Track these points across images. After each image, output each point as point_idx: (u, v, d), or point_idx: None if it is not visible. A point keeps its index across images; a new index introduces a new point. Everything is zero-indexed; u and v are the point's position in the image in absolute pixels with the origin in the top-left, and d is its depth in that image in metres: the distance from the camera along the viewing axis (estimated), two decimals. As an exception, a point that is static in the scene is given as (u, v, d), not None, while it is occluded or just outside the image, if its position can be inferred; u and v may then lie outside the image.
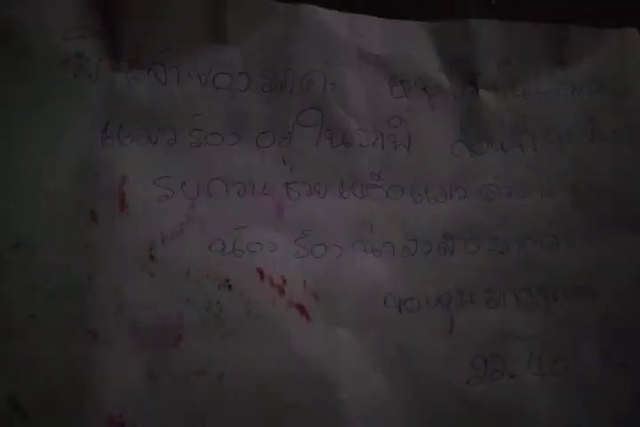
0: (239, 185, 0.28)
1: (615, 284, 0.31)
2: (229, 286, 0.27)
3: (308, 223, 0.29)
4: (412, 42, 0.31)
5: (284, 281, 0.28)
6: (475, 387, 0.29)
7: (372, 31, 0.31)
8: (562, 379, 0.30)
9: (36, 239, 0.26)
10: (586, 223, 0.32)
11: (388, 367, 0.28)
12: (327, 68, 0.30)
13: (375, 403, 0.27)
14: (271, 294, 0.27)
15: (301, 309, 0.28)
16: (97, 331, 0.25)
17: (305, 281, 0.28)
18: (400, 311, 0.29)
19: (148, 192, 0.27)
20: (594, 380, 0.30)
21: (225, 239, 0.27)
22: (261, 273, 0.28)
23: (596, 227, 0.32)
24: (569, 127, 0.32)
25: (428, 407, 0.28)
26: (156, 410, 0.25)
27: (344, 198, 0.29)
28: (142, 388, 0.25)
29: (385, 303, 0.29)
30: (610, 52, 0.33)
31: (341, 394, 0.27)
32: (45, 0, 0.27)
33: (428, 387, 0.28)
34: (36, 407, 0.24)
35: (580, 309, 0.31)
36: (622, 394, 0.30)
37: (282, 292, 0.28)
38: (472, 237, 0.30)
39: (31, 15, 0.27)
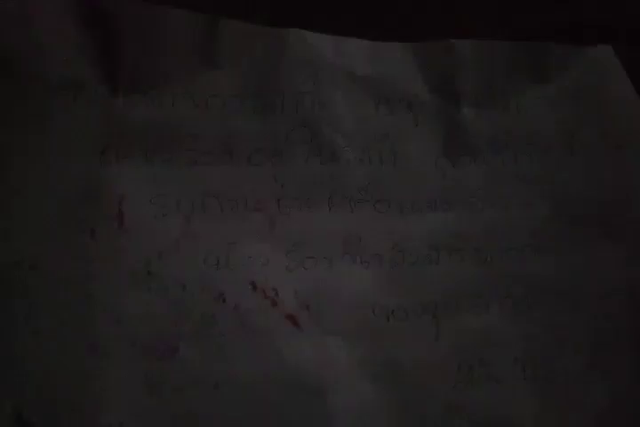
0: (232, 202, 0.29)
1: (596, 291, 0.32)
2: (224, 300, 0.28)
3: (299, 237, 0.30)
4: (396, 62, 0.32)
5: (277, 293, 0.29)
6: (461, 392, 0.29)
7: (358, 53, 0.32)
8: (545, 383, 0.30)
9: (37, 256, 0.27)
10: (566, 234, 0.32)
11: (377, 375, 0.29)
12: (315, 89, 0.31)
13: (365, 409, 0.28)
14: (264, 306, 0.28)
15: (293, 320, 0.28)
16: (97, 344, 0.26)
17: (296, 293, 0.29)
18: (388, 320, 0.30)
19: (145, 210, 0.28)
20: (577, 384, 0.31)
21: (219, 254, 0.28)
22: (254, 286, 0.28)
23: (575, 237, 0.32)
24: (548, 141, 0.33)
25: (416, 413, 0.29)
26: (154, 420, 0.26)
27: (333, 213, 0.30)
28: (140, 399, 0.26)
29: (373, 313, 0.29)
30: (586, 68, 0.34)
31: (332, 402, 0.28)
32: (46, 28, 0.28)
33: (415, 393, 0.29)
34: (39, 419, 0.25)
35: (563, 315, 0.31)
36: (605, 398, 0.31)
37: (274, 304, 0.28)
38: (456, 247, 0.31)
39: (32, 43, 0.28)
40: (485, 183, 0.32)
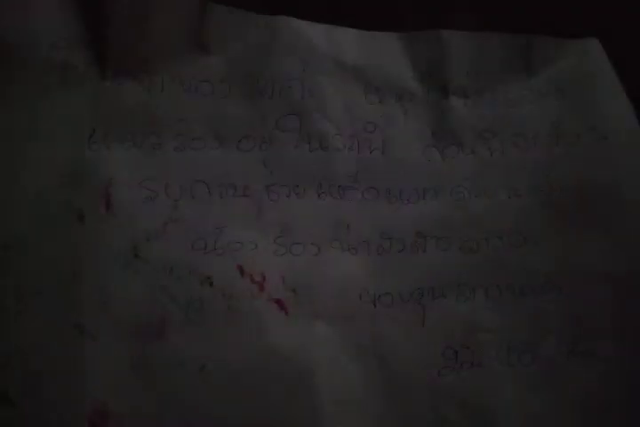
0: (221, 187, 0.29)
1: (580, 279, 0.32)
2: (211, 283, 0.28)
3: (287, 223, 0.30)
4: (386, 52, 0.33)
5: (264, 278, 0.29)
6: (446, 377, 0.30)
7: (348, 41, 0.32)
8: (529, 369, 0.31)
9: (24, 239, 0.26)
10: (551, 222, 0.33)
11: (363, 358, 0.29)
12: (305, 76, 0.31)
13: (350, 391, 0.28)
14: (251, 290, 0.28)
15: (280, 304, 0.29)
16: (83, 326, 0.26)
17: (284, 278, 0.29)
18: (374, 306, 0.30)
19: (133, 194, 0.28)
20: (559, 370, 0.31)
21: (207, 238, 0.28)
22: (242, 270, 0.29)
23: (560, 226, 0.33)
24: (535, 131, 0.34)
25: (401, 396, 0.29)
26: (140, 399, 0.26)
27: (322, 199, 0.30)
28: (126, 378, 0.26)
29: (360, 298, 0.30)
30: (572, 60, 0.35)
31: (317, 383, 0.28)
32: (33, 10, 0.28)
33: (400, 377, 0.29)
34: (24, 398, 0.25)
35: (547, 303, 0.32)
36: (586, 384, 0.31)
37: (261, 288, 0.29)
38: (443, 235, 0.32)
39: (19, 25, 0.28)
40: (473, 172, 0.33)
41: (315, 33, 0.32)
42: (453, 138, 0.33)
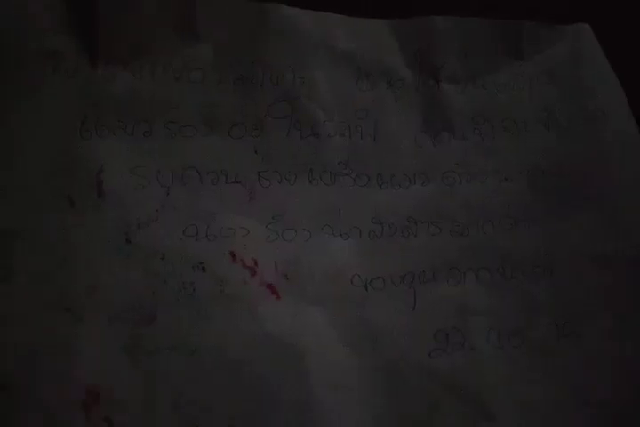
0: (212, 174, 0.29)
1: (569, 262, 0.33)
2: (203, 268, 0.28)
3: (279, 209, 0.30)
4: (376, 38, 0.33)
5: (256, 263, 0.29)
6: (437, 359, 0.30)
7: (339, 28, 0.32)
8: (518, 351, 0.31)
9: (16, 225, 0.27)
10: (541, 206, 0.33)
11: (355, 341, 0.29)
12: (296, 62, 0.31)
13: (342, 374, 0.29)
14: (243, 275, 0.29)
15: (272, 288, 0.29)
16: (75, 310, 0.26)
17: (276, 263, 0.29)
18: (366, 290, 0.30)
19: (124, 180, 0.28)
20: (548, 352, 0.31)
21: (199, 224, 0.29)
22: (234, 256, 0.29)
23: (551, 209, 0.33)
24: (526, 116, 0.34)
25: (393, 378, 0.29)
26: (132, 382, 0.26)
27: (313, 185, 0.31)
28: (118, 362, 0.26)
29: (352, 282, 0.30)
30: (563, 46, 0.35)
31: (309, 366, 0.28)
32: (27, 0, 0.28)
33: (392, 359, 0.29)
34: (16, 382, 0.25)
35: (537, 285, 0.32)
36: (575, 366, 0.31)
37: (253, 273, 0.29)
38: (434, 220, 0.32)
39: (12, 14, 0.28)
40: (463, 158, 0.33)
41: (305, 19, 0.32)
42: (444, 123, 0.33)
